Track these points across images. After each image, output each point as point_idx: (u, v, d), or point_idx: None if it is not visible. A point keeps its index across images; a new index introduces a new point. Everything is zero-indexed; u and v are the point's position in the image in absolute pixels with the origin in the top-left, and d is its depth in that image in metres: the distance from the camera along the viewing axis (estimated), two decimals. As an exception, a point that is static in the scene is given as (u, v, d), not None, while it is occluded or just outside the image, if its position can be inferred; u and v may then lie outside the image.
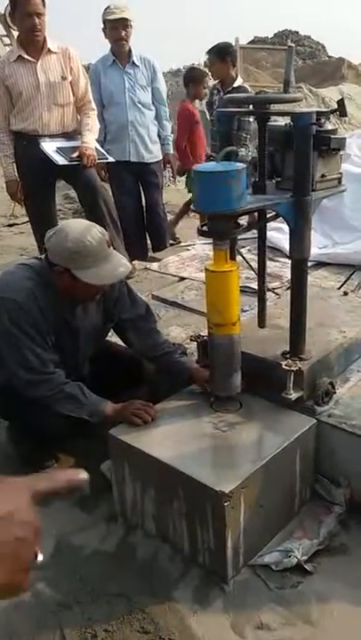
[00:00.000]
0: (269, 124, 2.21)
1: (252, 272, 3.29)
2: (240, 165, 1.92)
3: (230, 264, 2.09)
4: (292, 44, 2.14)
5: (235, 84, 4.76)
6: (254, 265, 3.35)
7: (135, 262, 4.37)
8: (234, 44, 13.02)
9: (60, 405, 2.21)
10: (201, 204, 1.96)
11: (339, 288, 3.18)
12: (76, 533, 2.20)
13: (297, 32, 26.68)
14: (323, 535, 2.10)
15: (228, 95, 2.93)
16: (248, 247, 3.91)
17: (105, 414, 2.21)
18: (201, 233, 2.06)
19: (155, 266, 4.19)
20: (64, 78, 3.94)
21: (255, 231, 4.65)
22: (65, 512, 2.31)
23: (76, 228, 2.20)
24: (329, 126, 2.20)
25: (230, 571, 1.95)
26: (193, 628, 1.81)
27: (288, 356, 2.30)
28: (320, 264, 3.99)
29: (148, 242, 4.99)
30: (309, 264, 4.03)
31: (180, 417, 2.25)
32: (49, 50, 3.89)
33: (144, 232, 4.92)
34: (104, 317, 2.49)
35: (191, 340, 2.58)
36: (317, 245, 4.17)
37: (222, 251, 2.06)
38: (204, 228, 2.04)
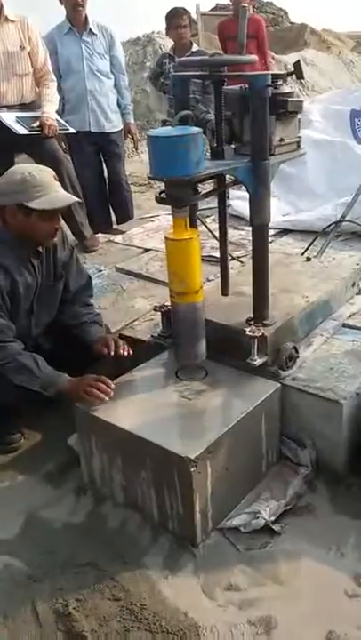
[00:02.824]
0: (226, 87, 2.19)
1: (217, 241, 3.27)
2: (196, 130, 1.89)
3: (190, 231, 2.07)
4: (245, 5, 2.10)
5: (193, 49, 4.69)
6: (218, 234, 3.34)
7: (99, 235, 4.31)
8: (194, 10, 12.79)
9: (13, 375, 2.18)
10: (157, 170, 1.92)
11: (302, 254, 3.19)
12: (45, 507, 2.20)
13: (259, -2, 26.27)
14: (289, 496, 2.13)
15: (182, 59, 2.88)
16: (213, 217, 3.88)
17: (59, 388, 2.18)
18: (159, 200, 2.03)
19: (119, 238, 4.14)
20: (22, 48, 3.82)
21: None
22: (34, 487, 2.31)
23: (23, 166, 2.36)
24: (286, 89, 2.17)
25: (199, 535, 1.97)
26: (163, 593, 1.83)
27: (252, 322, 2.31)
28: (285, 231, 3.98)
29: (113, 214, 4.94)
30: (274, 232, 4.05)
31: (146, 387, 2.24)
32: (6, 18, 3.76)
33: (107, 204, 4.86)
34: (54, 277, 2.51)
35: (155, 309, 2.57)
36: (281, 213, 4.16)
37: (182, 218, 2.04)
38: (162, 196, 2.02)
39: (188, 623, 1.73)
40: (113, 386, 2.13)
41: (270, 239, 3.91)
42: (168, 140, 1.85)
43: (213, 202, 3.93)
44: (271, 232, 4.01)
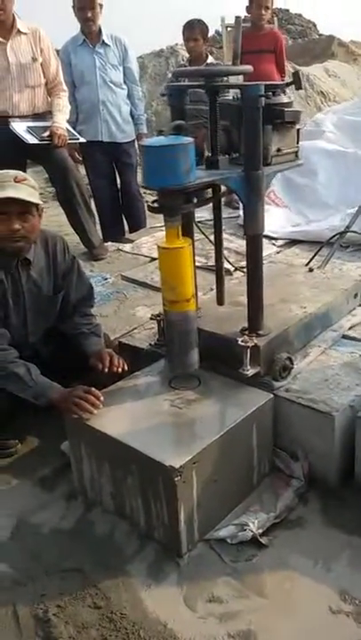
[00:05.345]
0: (225, 98, 2.19)
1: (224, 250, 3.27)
2: (187, 139, 1.89)
3: (183, 240, 2.08)
4: (240, 16, 2.11)
5: (208, 61, 4.72)
6: (226, 244, 3.33)
7: (108, 243, 4.35)
8: (220, 23, 12.85)
9: (4, 383, 2.21)
10: (149, 179, 1.94)
11: (306, 264, 3.17)
12: (35, 512, 2.21)
13: (287, 10, 26.30)
14: (280, 509, 2.11)
15: (177, 69, 2.90)
16: (223, 227, 3.89)
17: (50, 399, 2.19)
18: (151, 209, 2.04)
19: (127, 247, 4.18)
20: (34, 59, 3.89)
21: (231, 211, 4.63)
22: (26, 492, 2.32)
23: None
24: (284, 99, 2.17)
25: (185, 545, 1.96)
26: (145, 602, 1.82)
27: (246, 332, 2.30)
28: (294, 242, 3.97)
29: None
30: (283, 242, 4.04)
31: (138, 395, 2.25)
32: (19, 30, 3.83)
33: (120, 213, 4.90)
34: (54, 288, 2.51)
35: (151, 318, 2.57)
36: (291, 223, 4.15)
37: (174, 227, 2.04)
38: (155, 205, 2.03)
39: (167, 634, 1.72)
40: (102, 398, 2.13)
41: (278, 250, 3.95)
42: (158, 149, 1.86)
43: (225, 212, 3.93)
44: (280, 242, 4.03)
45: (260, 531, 2.01)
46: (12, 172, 2.28)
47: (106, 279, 3.51)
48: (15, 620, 1.78)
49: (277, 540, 2.02)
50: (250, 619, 1.76)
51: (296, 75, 2.29)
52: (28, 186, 2.26)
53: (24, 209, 2.23)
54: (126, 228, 4.97)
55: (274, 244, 3.97)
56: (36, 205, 2.27)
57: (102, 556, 1.99)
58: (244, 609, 1.80)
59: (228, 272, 3.21)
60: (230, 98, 2.14)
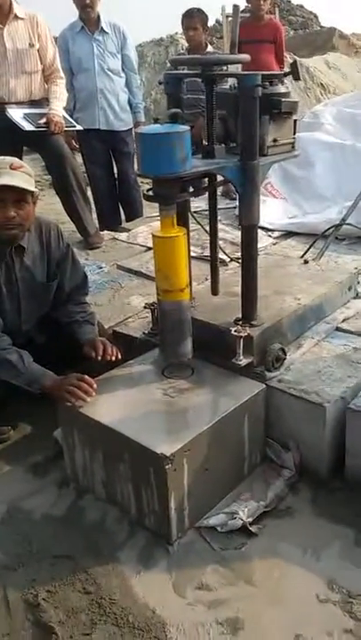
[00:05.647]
0: (222, 87, 2.19)
1: (220, 241, 3.27)
2: (183, 127, 1.89)
3: (177, 229, 2.07)
4: (238, 5, 2.10)
5: (207, 50, 4.69)
6: (222, 235, 3.33)
7: (104, 232, 4.34)
8: (220, 13, 12.78)
9: None
10: (144, 167, 1.93)
11: (301, 257, 3.17)
12: (27, 498, 2.22)
13: (289, 1, 26.14)
14: (270, 498, 2.12)
15: (173, 57, 2.89)
16: (218, 217, 3.89)
17: (43, 386, 2.19)
18: (146, 197, 2.04)
19: (123, 236, 4.17)
20: (31, 45, 3.86)
21: (228, 201, 4.62)
22: (18, 478, 2.33)
23: None
24: (281, 89, 2.16)
25: (175, 532, 1.97)
26: (134, 588, 1.83)
27: (240, 322, 2.30)
28: (290, 234, 3.97)
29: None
30: (279, 234, 4.04)
31: (131, 384, 2.25)
32: (15, 15, 3.80)
33: (117, 202, 4.89)
34: (48, 275, 2.50)
35: (145, 307, 2.58)
36: (287, 215, 4.15)
37: (169, 216, 2.04)
38: (150, 193, 2.02)
39: (156, 620, 1.73)
40: (95, 386, 2.14)
41: (274, 241, 3.95)
42: (153, 137, 1.86)
43: (222, 202, 3.92)
44: (276, 234, 4.03)
45: (250, 519, 2.03)
46: (8, 159, 2.27)
47: (101, 268, 3.51)
48: (5, 605, 1.79)
49: (267, 529, 2.04)
50: (238, 606, 1.77)
51: (294, 65, 2.29)
52: (23, 173, 2.26)
53: (19, 196, 2.23)
54: (123, 216, 4.96)
55: (270, 236, 3.97)
56: (32, 193, 2.27)
57: (93, 542, 2.00)
58: (232, 596, 1.81)
59: (224, 262, 3.21)
60: (227, 87, 2.13)
